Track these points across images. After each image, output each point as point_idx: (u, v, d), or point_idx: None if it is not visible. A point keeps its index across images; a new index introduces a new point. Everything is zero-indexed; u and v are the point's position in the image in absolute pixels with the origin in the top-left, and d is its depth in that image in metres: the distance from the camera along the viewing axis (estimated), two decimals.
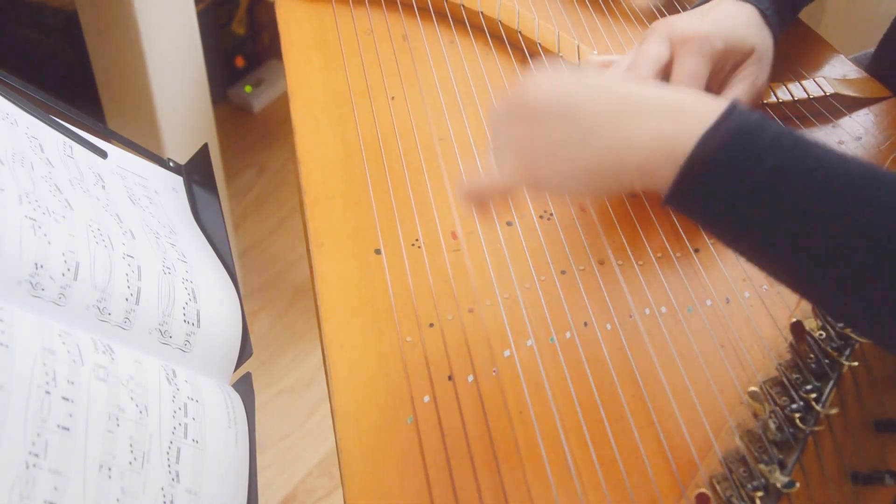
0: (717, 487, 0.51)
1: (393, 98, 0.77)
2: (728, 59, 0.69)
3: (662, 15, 0.86)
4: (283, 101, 2.01)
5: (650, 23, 0.78)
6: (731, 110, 0.48)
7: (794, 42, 0.83)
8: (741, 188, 0.46)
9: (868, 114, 0.75)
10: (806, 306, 0.60)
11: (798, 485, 0.51)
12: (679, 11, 0.83)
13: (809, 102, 0.75)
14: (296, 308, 1.67)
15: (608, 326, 0.60)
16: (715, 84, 0.71)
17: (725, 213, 0.48)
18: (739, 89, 0.69)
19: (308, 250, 0.66)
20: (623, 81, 0.53)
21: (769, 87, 0.76)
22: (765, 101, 0.75)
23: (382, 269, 0.63)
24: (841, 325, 0.58)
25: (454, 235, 0.65)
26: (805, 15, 0.86)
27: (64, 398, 0.46)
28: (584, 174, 0.51)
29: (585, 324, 0.60)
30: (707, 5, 0.72)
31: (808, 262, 0.46)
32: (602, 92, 0.51)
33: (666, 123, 0.49)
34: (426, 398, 0.56)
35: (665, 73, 0.68)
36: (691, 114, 0.48)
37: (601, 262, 0.64)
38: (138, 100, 1.35)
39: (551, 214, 0.67)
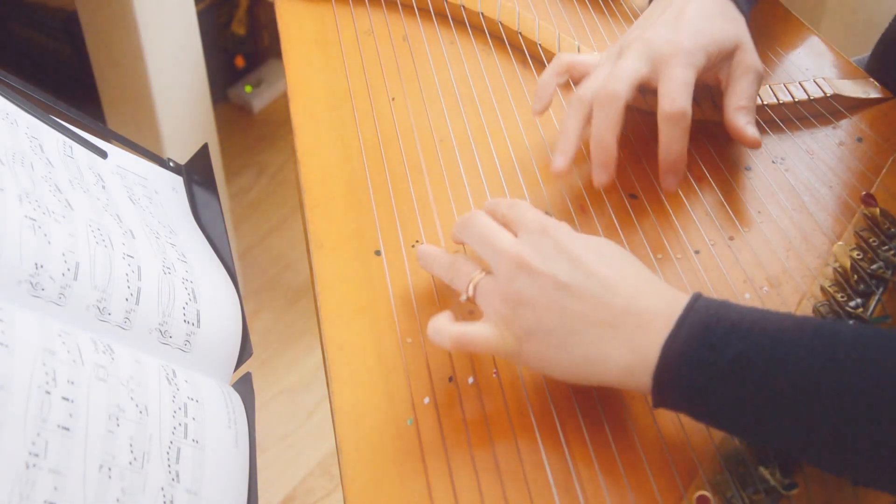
0: (717, 489, 0.51)
1: (393, 98, 0.77)
2: (715, 62, 0.68)
3: None
4: (283, 101, 2.01)
5: None
6: (690, 307, 0.51)
7: (794, 43, 0.83)
8: (708, 380, 0.49)
9: (868, 115, 0.75)
10: (806, 308, 0.60)
11: (798, 486, 0.51)
12: None
13: (809, 103, 0.75)
14: (296, 308, 1.67)
15: None
16: (714, 85, 0.71)
17: (706, 408, 0.50)
18: (745, 84, 0.68)
19: (308, 251, 0.66)
20: (611, 277, 0.53)
21: (769, 87, 0.76)
22: (765, 102, 0.75)
23: (383, 269, 0.63)
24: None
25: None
26: (805, 15, 0.86)
27: (64, 398, 0.46)
28: (568, 369, 0.53)
29: None
30: (675, 7, 0.69)
31: (790, 436, 0.49)
32: (587, 291, 0.52)
33: (638, 336, 0.51)
34: (426, 399, 0.56)
35: (642, 88, 0.67)
36: (657, 318, 0.51)
37: None
38: (138, 100, 1.35)
39: (551, 215, 0.67)
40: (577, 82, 0.71)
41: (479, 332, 0.54)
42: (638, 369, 0.51)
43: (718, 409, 0.50)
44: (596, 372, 0.52)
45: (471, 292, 0.56)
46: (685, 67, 0.65)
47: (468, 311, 0.61)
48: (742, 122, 0.68)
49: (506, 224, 0.58)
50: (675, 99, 0.64)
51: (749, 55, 0.69)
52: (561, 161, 0.65)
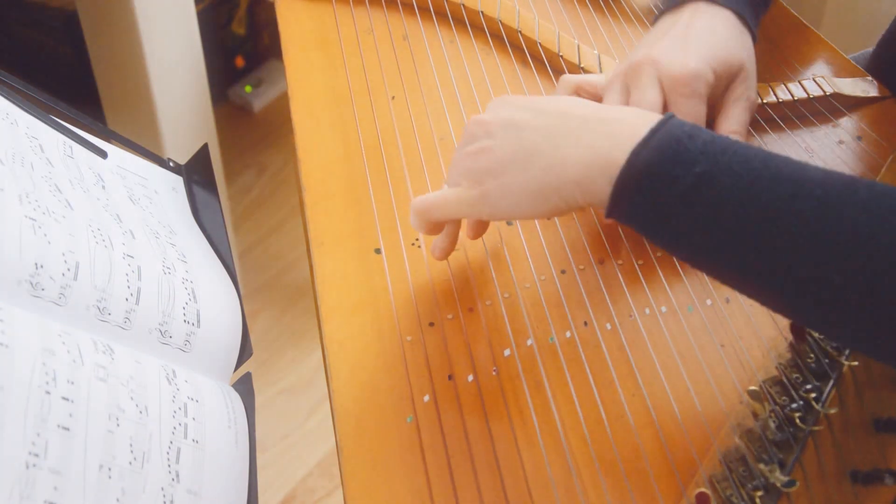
0: (717, 486, 0.51)
1: (393, 97, 0.77)
2: (720, 83, 0.67)
3: None
4: (283, 101, 2.01)
5: (650, 22, 0.78)
6: (665, 122, 0.50)
7: (794, 41, 0.83)
8: (671, 196, 0.48)
9: (868, 114, 0.75)
10: None
11: (798, 484, 0.51)
12: None
13: (809, 102, 0.75)
14: (296, 308, 1.67)
15: (608, 326, 0.60)
16: (709, 108, 0.70)
17: (660, 221, 0.49)
18: (738, 110, 0.68)
19: (308, 250, 0.66)
20: (572, 102, 0.54)
21: (769, 86, 0.76)
22: (764, 101, 0.75)
23: (383, 268, 0.63)
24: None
25: None
26: (805, 15, 0.86)
27: (64, 398, 0.46)
28: (529, 195, 0.53)
29: (585, 323, 0.60)
30: (682, 23, 0.68)
31: (742, 266, 0.48)
32: (547, 112, 0.53)
33: (600, 139, 0.50)
34: (426, 397, 0.56)
35: None
36: (626, 127, 0.50)
37: (601, 262, 0.64)
38: (138, 100, 1.35)
39: None
40: None
41: (440, 193, 0.56)
42: (597, 171, 0.50)
43: (674, 226, 0.49)
44: (555, 184, 0.52)
45: (444, 186, 0.58)
46: (694, 99, 0.64)
47: (468, 308, 0.61)
48: None
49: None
50: None
51: (748, 83, 0.69)
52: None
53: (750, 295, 0.51)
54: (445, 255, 0.62)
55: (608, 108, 0.54)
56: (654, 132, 0.49)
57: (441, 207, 0.57)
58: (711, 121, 0.69)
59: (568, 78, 0.71)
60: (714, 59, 0.66)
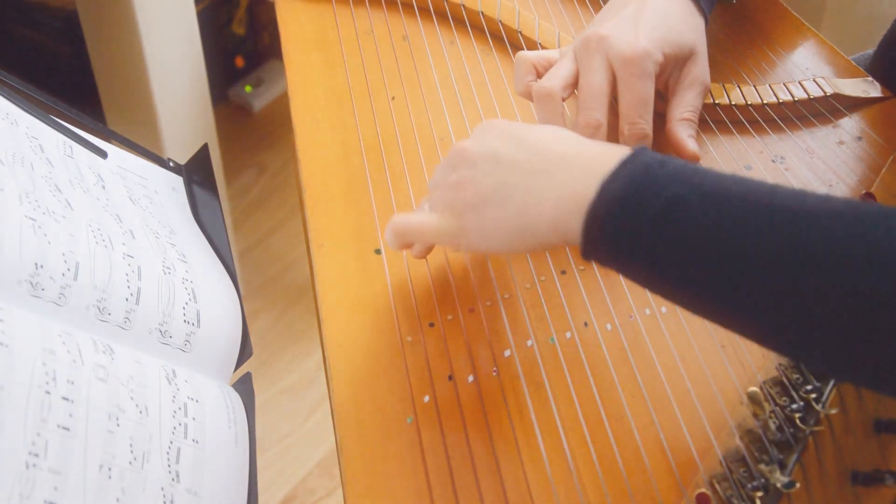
0: (718, 487, 0.51)
1: (393, 98, 0.77)
2: (669, 65, 0.68)
3: None
4: (283, 101, 2.01)
5: None
6: (636, 154, 0.49)
7: (794, 42, 0.83)
8: (642, 222, 0.46)
9: (868, 114, 0.75)
10: None
11: (798, 485, 0.51)
12: None
13: (810, 102, 0.75)
14: (296, 308, 1.67)
15: (608, 326, 0.60)
16: (661, 90, 0.71)
17: (633, 252, 0.48)
18: (691, 95, 0.69)
19: (308, 250, 0.66)
20: (551, 136, 0.54)
21: (769, 86, 0.76)
22: (764, 101, 0.75)
23: (383, 268, 0.63)
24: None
25: None
26: (805, 15, 0.86)
27: (64, 398, 0.46)
28: (505, 233, 0.53)
29: (585, 324, 0.60)
30: (636, 2, 0.68)
31: (720, 291, 0.46)
32: (528, 145, 0.53)
33: (574, 176, 0.50)
34: (426, 398, 0.56)
35: (612, 95, 0.66)
36: (596, 162, 0.50)
37: None
38: (138, 100, 1.35)
39: None
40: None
41: (421, 217, 0.56)
42: (571, 211, 0.49)
43: (647, 254, 0.47)
44: (532, 225, 0.52)
45: (425, 206, 0.58)
46: (643, 79, 0.65)
47: (468, 308, 0.61)
48: (683, 134, 0.68)
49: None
50: (636, 122, 0.65)
51: (699, 66, 0.69)
52: None
53: (732, 326, 0.48)
54: (423, 256, 0.63)
55: (588, 144, 0.53)
56: (624, 164, 0.49)
57: (419, 233, 0.57)
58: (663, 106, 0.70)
59: (524, 55, 0.70)
60: (664, 40, 0.66)
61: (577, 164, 0.51)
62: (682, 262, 0.46)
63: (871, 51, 0.87)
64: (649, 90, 0.65)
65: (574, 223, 0.49)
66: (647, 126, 0.65)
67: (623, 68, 0.65)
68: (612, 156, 0.50)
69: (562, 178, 0.50)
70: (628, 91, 0.65)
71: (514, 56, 0.81)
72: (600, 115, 0.65)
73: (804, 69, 0.80)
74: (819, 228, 0.43)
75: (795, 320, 0.44)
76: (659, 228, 0.46)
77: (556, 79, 0.67)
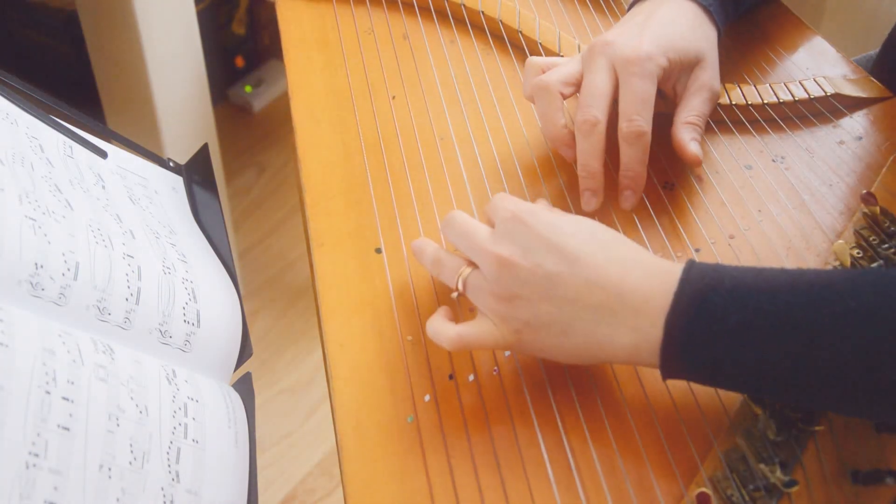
0: (718, 487, 0.51)
1: (394, 97, 0.77)
2: (674, 71, 0.68)
3: None
4: (283, 101, 2.01)
5: None
6: (685, 279, 0.51)
7: (795, 42, 0.83)
8: (715, 353, 0.50)
9: (869, 114, 0.75)
10: None
11: (798, 484, 0.51)
12: None
13: (810, 102, 0.75)
14: (296, 308, 1.67)
15: None
16: (669, 95, 0.71)
17: (714, 375, 0.51)
18: (698, 101, 0.69)
19: (308, 250, 0.66)
20: (598, 258, 0.53)
21: (769, 85, 0.76)
22: (765, 101, 0.75)
23: (383, 268, 0.63)
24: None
25: None
26: (805, 15, 0.86)
27: (64, 398, 0.46)
28: (571, 354, 0.54)
29: None
30: (645, 12, 0.70)
31: (798, 388, 0.50)
32: (581, 277, 0.52)
33: (637, 317, 0.51)
34: (427, 397, 0.56)
35: (614, 98, 0.67)
36: (655, 297, 0.51)
37: None
38: (138, 100, 1.35)
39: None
40: None
41: (477, 330, 0.55)
42: (643, 348, 0.51)
43: (726, 375, 0.51)
44: (602, 354, 0.53)
45: (461, 287, 0.57)
46: (643, 79, 0.65)
47: (469, 308, 0.61)
48: (687, 137, 0.68)
49: (488, 220, 0.58)
50: (633, 119, 0.65)
51: (708, 73, 0.69)
52: (568, 153, 0.68)
53: (832, 408, 0.53)
54: None
55: (630, 270, 0.53)
56: (679, 295, 0.50)
57: (479, 343, 0.55)
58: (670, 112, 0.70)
59: (533, 60, 0.71)
60: (670, 46, 0.67)
61: (635, 302, 0.51)
62: (754, 374, 0.50)
63: (873, 52, 0.87)
64: (649, 90, 0.65)
65: (648, 356, 0.52)
66: (644, 124, 0.65)
67: (624, 69, 0.65)
68: (663, 285, 0.51)
69: (628, 323, 0.51)
70: (628, 90, 0.65)
71: (514, 55, 0.81)
72: (598, 112, 0.65)
73: (804, 69, 0.80)
74: (883, 330, 0.47)
75: (875, 405, 0.49)
76: (730, 353, 0.49)
77: (555, 75, 0.67)
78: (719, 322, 0.49)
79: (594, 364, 0.56)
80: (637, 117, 0.65)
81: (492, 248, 0.54)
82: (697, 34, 0.69)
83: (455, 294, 0.57)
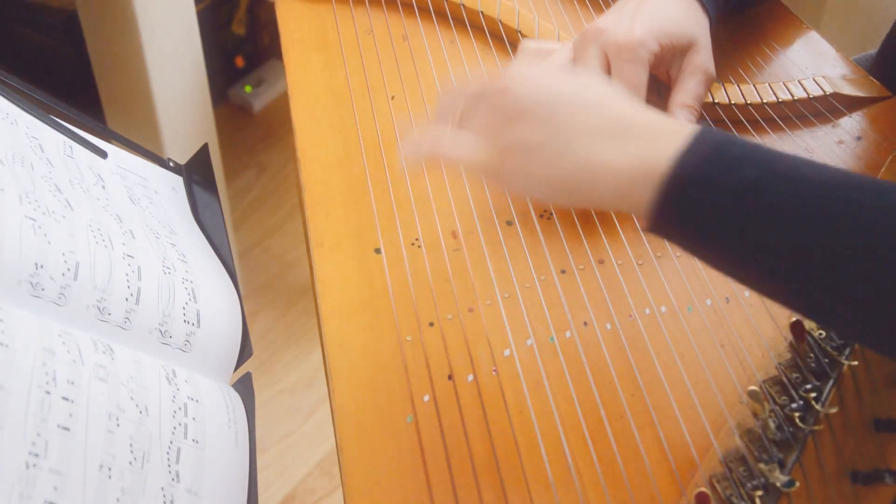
0: (717, 486, 0.51)
1: (393, 98, 0.77)
2: (666, 56, 0.69)
3: None
4: (283, 101, 2.01)
5: None
6: (704, 132, 0.48)
7: (794, 41, 0.83)
8: (721, 202, 0.46)
9: (868, 113, 0.75)
10: None
11: (798, 484, 0.51)
12: None
13: (809, 102, 0.75)
14: (296, 308, 1.67)
15: (608, 326, 0.60)
16: (664, 80, 0.72)
17: (707, 229, 0.47)
18: (693, 83, 0.69)
19: (308, 250, 0.66)
20: (607, 93, 0.52)
21: (768, 85, 0.76)
22: (764, 101, 0.75)
23: (382, 268, 0.63)
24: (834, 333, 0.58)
25: (454, 235, 0.65)
26: (805, 15, 0.86)
27: (64, 398, 0.46)
28: (553, 185, 0.51)
29: (585, 323, 0.60)
30: (637, 0, 0.69)
31: (791, 271, 0.46)
32: (585, 103, 0.51)
33: (643, 148, 0.49)
34: (426, 397, 0.56)
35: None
36: (665, 135, 0.49)
37: (601, 262, 0.64)
38: (138, 100, 1.35)
39: (551, 214, 0.67)
40: None
41: (462, 140, 0.53)
42: (640, 180, 0.48)
43: (720, 234, 0.47)
44: (589, 184, 0.50)
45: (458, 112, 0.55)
46: (635, 64, 0.66)
47: (468, 309, 0.61)
48: (681, 119, 0.68)
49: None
50: None
51: (702, 56, 0.69)
52: None
53: (799, 305, 0.49)
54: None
55: (649, 113, 0.51)
56: (696, 140, 0.48)
57: (452, 156, 0.53)
58: (664, 91, 0.71)
59: (528, 44, 0.71)
60: (660, 31, 0.67)
61: (645, 134, 0.49)
62: (757, 244, 0.46)
63: (872, 51, 0.87)
64: (641, 76, 0.66)
65: (642, 194, 0.48)
66: None
67: (616, 55, 0.66)
68: (678, 130, 0.49)
69: (630, 148, 0.49)
70: (619, 75, 0.66)
71: (513, 56, 0.81)
72: None
73: (804, 68, 0.80)
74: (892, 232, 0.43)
75: (855, 312, 0.45)
76: (739, 210, 0.46)
77: (549, 62, 0.68)
78: (735, 171, 0.46)
79: (572, 203, 0.53)
80: None
81: (509, 70, 0.54)
82: (690, 20, 0.70)
83: (449, 127, 0.55)
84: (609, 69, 0.66)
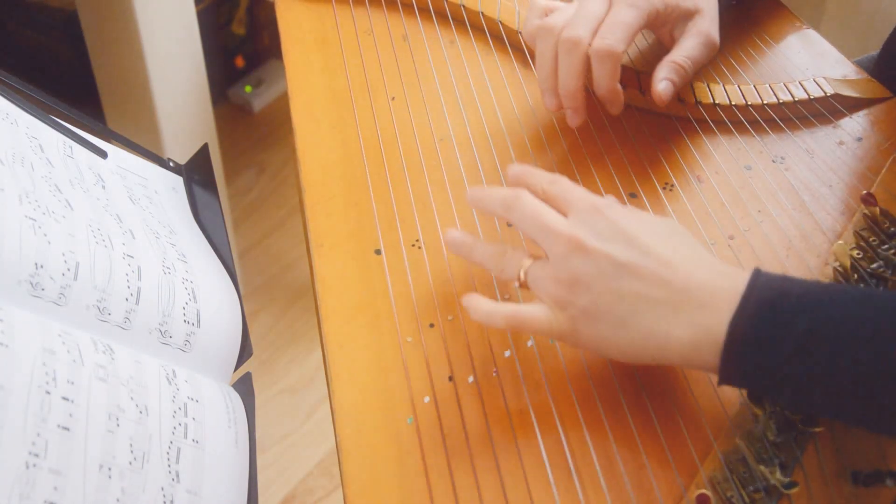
0: (718, 488, 0.51)
1: (393, 98, 0.77)
2: (671, 16, 0.70)
3: None
4: (283, 101, 2.01)
5: None
6: (753, 284, 0.50)
7: (794, 42, 0.83)
8: (778, 362, 0.48)
9: (868, 114, 0.75)
10: None
11: (798, 485, 0.51)
12: None
13: (810, 102, 0.75)
14: (296, 308, 1.67)
15: None
16: (667, 43, 0.73)
17: (773, 385, 0.50)
18: (690, 44, 0.70)
19: (308, 250, 0.66)
20: (669, 250, 0.53)
21: (769, 86, 0.76)
22: (765, 101, 0.75)
23: (383, 269, 0.63)
24: None
25: None
26: (805, 15, 0.86)
27: (64, 398, 0.46)
28: (622, 350, 0.53)
29: None
30: None
31: (870, 406, 0.49)
32: (647, 270, 0.52)
33: (701, 314, 0.50)
34: (426, 398, 0.56)
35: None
36: (722, 293, 0.50)
37: None
38: (138, 100, 1.35)
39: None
40: None
41: (533, 311, 0.54)
42: (703, 347, 0.50)
43: (786, 385, 0.49)
44: (657, 350, 0.52)
45: (522, 277, 0.56)
46: (632, 7, 0.67)
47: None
48: (661, 74, 0.70)
49: (547, 200, 0.57)
50: (605, 36, 0.66)
51: (706, 22, 0.71)
52: (550, 101, 0.70)
53: (875, 430, 0.52)
54: None
55: (705, 266, 0.53)
56: (747, 297, 0.50)
57: (532, 324, 0.54)
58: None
59: (539, 2, 0.73)
60: None
61: (702, 297, 0.51)
62: (816, 388, 0.49)
63: (874, 53, 0.87)
64: (634, 18, 0.67)
65: (708, 358, 0.50)
66: (615, 43, 0.66)
67: (617, 1, 0.68)
68: (733, 285, 0.50)
69: (692, 318, 0.51)
70: (612, 13, 0.67)
71: (513, 56, 0.81)
72: (584, 33, 0.67)
73: (804, 69, 0.80)
74: None
75: None
76: (793, 363, 0.48)
77: (559, 18, 0.69)
78: (786, 327, 0.48)
79: (646, 363, 0.55)
80: (609, 35, 0.66)
81: (567, 231, 0.54)
82: None
83: (516, 284, 0.56)
84: (609, 8, 0.68)
